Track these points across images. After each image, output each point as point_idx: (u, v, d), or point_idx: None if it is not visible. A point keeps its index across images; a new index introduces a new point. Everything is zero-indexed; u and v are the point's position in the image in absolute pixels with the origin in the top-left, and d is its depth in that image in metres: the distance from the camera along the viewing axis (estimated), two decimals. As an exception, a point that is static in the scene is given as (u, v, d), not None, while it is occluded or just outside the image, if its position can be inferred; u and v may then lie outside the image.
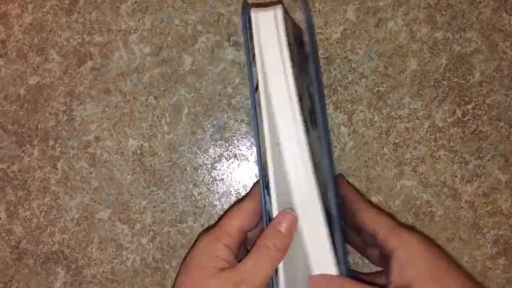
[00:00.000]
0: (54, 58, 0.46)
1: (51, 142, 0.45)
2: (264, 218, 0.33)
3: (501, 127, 0.46)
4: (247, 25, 0.34)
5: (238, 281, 0.31)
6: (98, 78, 0.46)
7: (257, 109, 0.33)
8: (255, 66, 0.33)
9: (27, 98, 0.45)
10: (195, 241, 0.36)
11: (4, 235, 0.45)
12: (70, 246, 0.45)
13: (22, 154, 0.45)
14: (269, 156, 0.32)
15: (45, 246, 0.45)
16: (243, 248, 0.35)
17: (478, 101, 0.46)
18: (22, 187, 0.45)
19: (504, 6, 0.47)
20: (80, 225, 0.45)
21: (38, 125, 0.45)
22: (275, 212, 0.32)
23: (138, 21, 0.46)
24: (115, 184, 0.45)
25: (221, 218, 0.36)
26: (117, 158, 0.46)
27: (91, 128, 0.46)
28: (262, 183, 0.33)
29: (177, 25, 0.46)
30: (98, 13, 0.46)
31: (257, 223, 0.34)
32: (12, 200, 0.45)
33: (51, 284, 0.45)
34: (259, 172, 0.33)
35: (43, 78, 0.46)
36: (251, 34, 0.33)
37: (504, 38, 0.47)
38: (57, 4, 0.46)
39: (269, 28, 0.33)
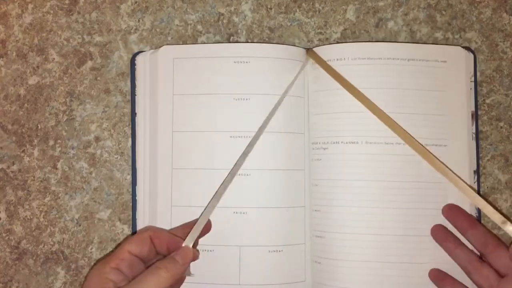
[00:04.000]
0: (54, 58, 0.46)
1: (51, 142, 0.45)
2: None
3: (501, 127, 0.46)
4: (135, 66, 0.44)
5: None
6: (98, 78, 0.46)
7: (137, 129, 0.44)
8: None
9: (27, 98, 0.45)
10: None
11: (4, 235, 0.45)
12: (70, 246, 0.45)
13: (22, 154, 0.45)
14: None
15: (45, 246, 0.45)
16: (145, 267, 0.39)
17: (478, 101, 0.46)
18: (22, 187, 0.45)
19: (504, 6, 0.47)
20: (80, 225, 0.45)
21: (38, 125, 0.45)
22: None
23: (138, 21, 0.46)
24: (115, 184, 0.45)
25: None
26: (117, 158, 0.46)
27: (91, 128, 0.46)
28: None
29: (177, 25, 0.46)
30: (98, 13, 0.46)
31: (147, 249, 0.38)
32: (12, 200, 0.45)
33: (51, 284, 0.45)
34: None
35: (43, 78, 0.46)
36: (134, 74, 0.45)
37: (504, 38, 0.47)
38: (57, 4, 0.46)
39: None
